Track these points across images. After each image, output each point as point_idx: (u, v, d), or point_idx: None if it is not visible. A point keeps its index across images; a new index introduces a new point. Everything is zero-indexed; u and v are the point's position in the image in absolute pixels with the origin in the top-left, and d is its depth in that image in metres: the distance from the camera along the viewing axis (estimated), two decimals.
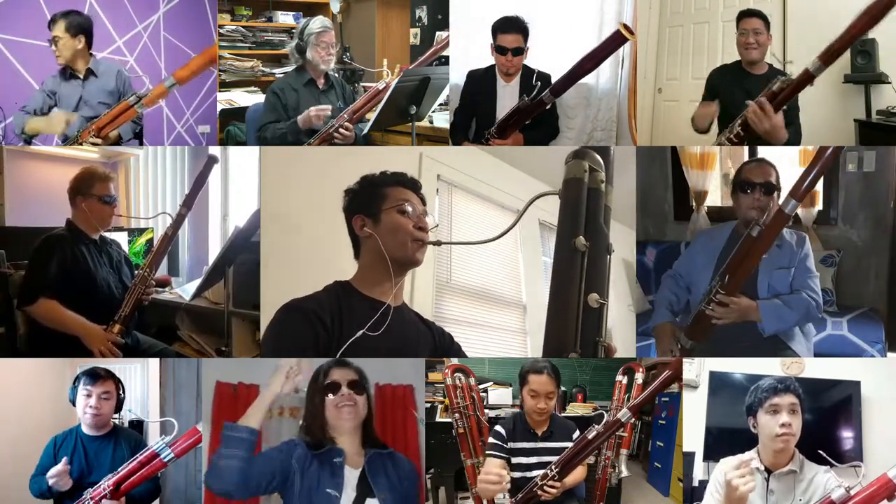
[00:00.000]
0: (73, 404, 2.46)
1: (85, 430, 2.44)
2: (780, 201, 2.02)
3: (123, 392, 2.51)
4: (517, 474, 2.35)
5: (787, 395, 1.98)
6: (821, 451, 1.97)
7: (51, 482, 2.24)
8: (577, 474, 2.39)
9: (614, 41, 2.60)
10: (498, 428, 2.48)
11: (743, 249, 2.16)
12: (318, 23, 3.19)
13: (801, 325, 2.58)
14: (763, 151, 4.21)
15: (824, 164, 1.91)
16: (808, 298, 2.49)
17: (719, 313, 2.30)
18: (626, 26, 2.53)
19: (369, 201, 1.84)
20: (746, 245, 2.14)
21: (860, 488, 1.70)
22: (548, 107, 2.90)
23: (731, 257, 2.21)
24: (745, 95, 2.83)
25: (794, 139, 2.98)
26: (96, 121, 2.97)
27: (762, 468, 2.04)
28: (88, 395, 2.40)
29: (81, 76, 3.13)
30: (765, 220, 2.07)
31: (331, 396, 1.88)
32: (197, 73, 2.86)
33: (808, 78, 2.41)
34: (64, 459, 2.27)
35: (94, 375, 2.41)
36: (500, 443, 2.43)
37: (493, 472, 2.20)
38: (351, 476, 1.87)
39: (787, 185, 2.43)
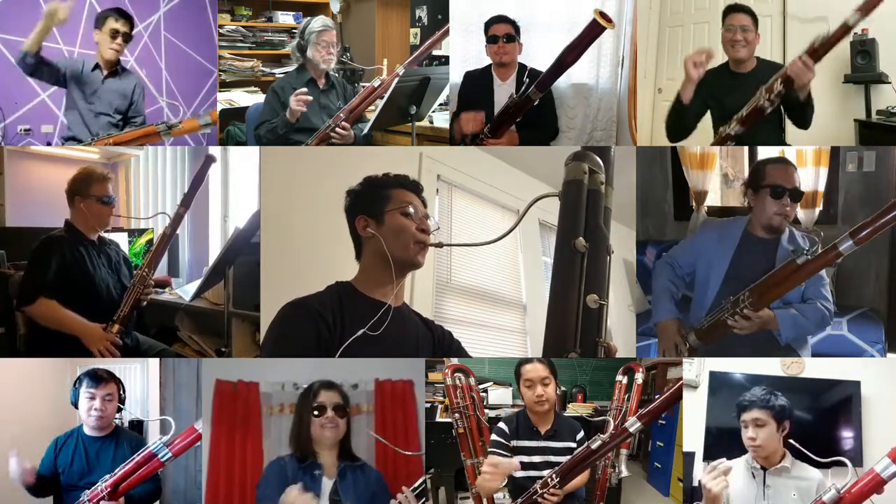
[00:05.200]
0: (75, 406, 2.45)
1: (87, 431, 2.44)
2: (839, 240, 2.00)
3: (124, 392, 2.51)
4: (520, 474, 2.33)
5: (750, 411, 2.17)
6: (798, 446, 2.12)
7: (12, 474, 2.26)
8: (581, 478, 2.36)
9: (591, 31, 2.51)
10: (501, 425, 2.47)
11: (782, 273, 2.18)
12: (318, 22, 3.20)
13: (814, 334, 2.58)
14: (763, 151, 4.22)
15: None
16: (822, 308, 2.45)
17: (742, 325, 2.31)
18: (602, 14, 2.44)
19: (372, 203, 1.86)
20: (787, 270, 2.16)
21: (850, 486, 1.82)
22: (536, 102, 2.83)
23: (767, 277, 2.23)
24: (736, 98, 2.75)
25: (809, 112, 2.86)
26: (115, 135, 3.02)
27: (758, 466, 2.22)
28: (92, 398, 2.39)
29: (107, 73, 3.18)
30: (814, 250, 2.08)
31: (317, 417, 2.09)
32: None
33: (846, 30, 2.47)
34: (29, 464, 2.30)
35: (97, 378, 2.40)
36: (502, 440, 2.42)
37: (488, 467, 2.14)
38: (327, 485, 2.06)
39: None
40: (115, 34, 3.13)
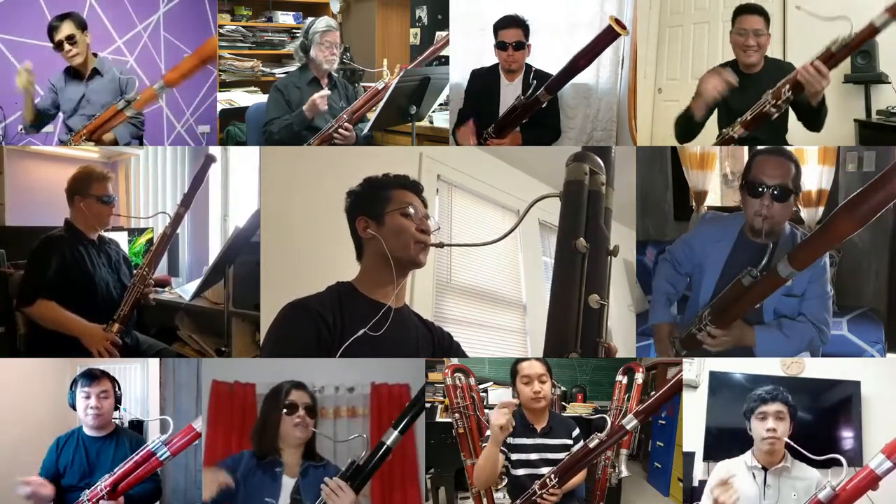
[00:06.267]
0: (74, 408, 2.47)
1: (87, 430, 2.44)
2: (778, 264, 1.84)
3: (120, 390, 2.52)
4: (518, 471, 2.34)
5: (773, 403, 2.15)
6: (794, 445, 2.11)
7: (23, 490, 2.20)
8: (579, 476, 2.37)
9: (606, 37, 2.53)
10: None
11: (732, 294, 2.04)
12: (322, 22, 3.22)
13: (798, 354, 2.38)
14: None
15: (836, 237, 1.70)
16: (813, 329, 2.26)
17: (710, 343, 2.20)
18: (617, 21, 2.47)
19: (372, 203, 1.86)
20: (736, 291, 2.01)
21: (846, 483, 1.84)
22: (544, 105, 2.84)
23: (721, 295, 2.10)
24: (743, 98, 2.67)
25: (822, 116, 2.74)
26: (87, 125, 2.97)
27: (759, 466, 2.20)
28: (87, 396, 2.41)
29: (86, 75, 3.14)
30: (761, 268, 1.92)
31: (288, 416, 2.06)
32: (188, 74, 2.74)
33: (873, 32, 2.22)
34: (48, 484, 2.25)
35: (90, 376, 2.43)
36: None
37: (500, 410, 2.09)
38: (287, 484, 2.03)
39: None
40: (59, 46, 3.02)
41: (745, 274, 1.96)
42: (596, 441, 1.98)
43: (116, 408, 2.50)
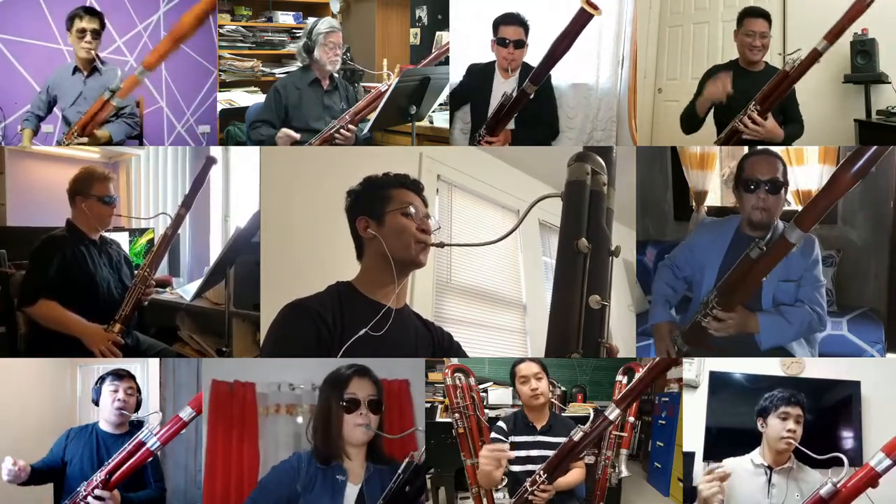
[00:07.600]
0: (96, 404, 2.54)
1: (104, 426, 2.50)
2: (783, 228, 1.90)
3: (140, 393, 2.58)
4: (517, 468, 2.36)
5: (796, 406, 2.23)
6: (801, 447, 2.15)
7: (4, 472, 2.25)
8: (576, 475, 2.38)
9: (580, 19, 2.50)
10: (500, 423, 2.51)
11: (740, 270, 2.08)
12: (325, 23, 3.22)
13: (799, 339, 2.46)
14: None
15: (837, 193, 1.76)
16: (810, 312, 2.37)
17: (715, 327, 2.24)
18: (588, 2, 2.42)
19: (373, 203, 1.85)
20: (744, 266, 2.05)
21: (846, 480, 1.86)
22: (531, 96, 2.81)
23: (728, 274, 2.14)
24: (744, 93, 2.82)
25: (797, 134, 2.97)
26: (78, 120, 2.99)
27: (765, 465, 2.25)
28: (116, 390, 2.48)
29: (86, 73, 3.18)
30: (767, 241, 1.97)
31: (349, 413, 1.83)
32: (165, 55, 2.72)
33: (816, 56, 2.55)
34: (22, 462, 2.28)
35: (119, 374, 2.51)
36: (501, 437, 2.45)
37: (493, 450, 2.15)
38: (351, 493, 1.82)
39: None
40: (82, 33, 3.12)
41: (753, 247, 2.00)
42: (580, 434, 1.92)
43: (137, 409, 2.56)
